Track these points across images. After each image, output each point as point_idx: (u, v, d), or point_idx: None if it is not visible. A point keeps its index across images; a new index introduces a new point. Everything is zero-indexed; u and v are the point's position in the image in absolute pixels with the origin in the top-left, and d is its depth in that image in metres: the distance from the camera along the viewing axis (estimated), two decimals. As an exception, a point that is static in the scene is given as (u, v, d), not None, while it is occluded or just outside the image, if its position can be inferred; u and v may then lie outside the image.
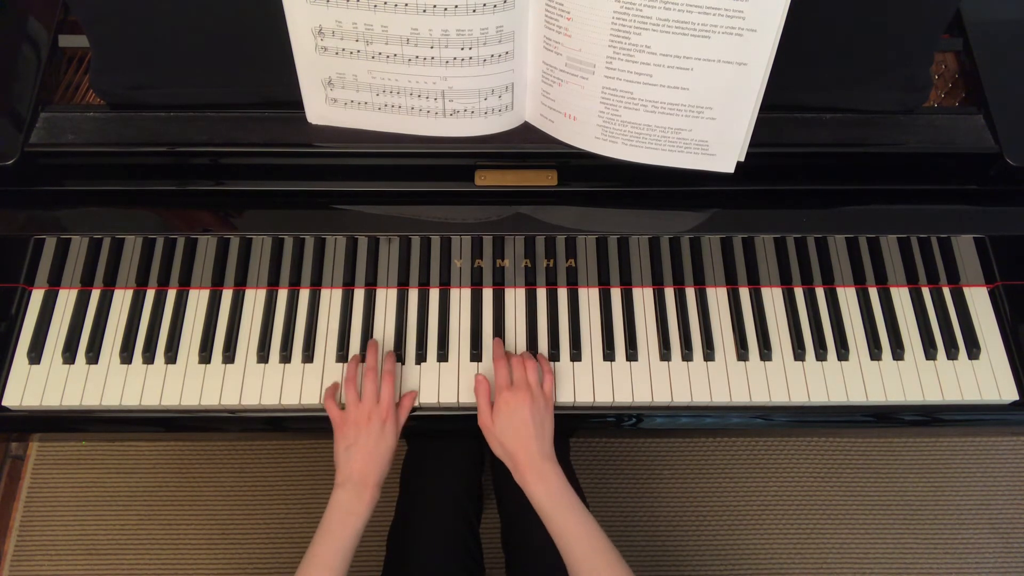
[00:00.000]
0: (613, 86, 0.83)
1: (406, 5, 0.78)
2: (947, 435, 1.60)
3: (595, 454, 1.59)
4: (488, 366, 0.98)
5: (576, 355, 0.98)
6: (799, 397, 0.96)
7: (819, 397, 0.96)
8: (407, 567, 1.02)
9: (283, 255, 0.99)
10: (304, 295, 1.02)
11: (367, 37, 0.81)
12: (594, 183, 0.96)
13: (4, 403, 0.95)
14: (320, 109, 0.89)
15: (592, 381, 0.97)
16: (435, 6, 0.78)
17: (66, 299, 1.00)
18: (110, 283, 1.01)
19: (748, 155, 0.87)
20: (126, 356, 0.97)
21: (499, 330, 1.00)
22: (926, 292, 1.02)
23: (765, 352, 0.98)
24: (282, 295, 1.02)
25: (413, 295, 1.02)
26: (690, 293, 1.02)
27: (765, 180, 0.95)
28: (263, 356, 0.98)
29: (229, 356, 0.98)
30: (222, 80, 0.90)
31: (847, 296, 1.02)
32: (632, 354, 0.98)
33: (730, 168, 0.88)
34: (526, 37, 0.83)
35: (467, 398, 0.97)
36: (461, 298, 1.02)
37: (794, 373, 0.98)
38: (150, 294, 1.01)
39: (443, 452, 1.14)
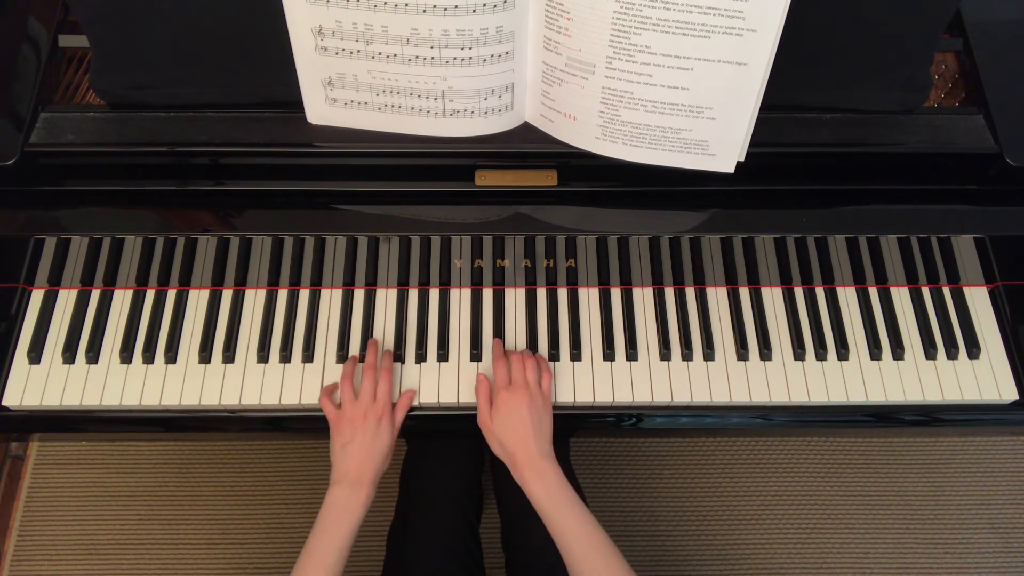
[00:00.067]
0: (613, 86, 0.83)
1: (406, 5, 0.78)
2: (947, 435, 1.60)
3: (595, 454, 1.59)
4: (488, 366, 0.98)
5: (576, 355, 0.98)
6: (799, 397, 0.96)
7: (819, 397, 0.96)
8: (407, 567, 1.02)
9: (283, 255, 0.99)
10: (304, 295, 1.02)
11: (367, 37, 0.81)
12: (594, 183, 0.96)
13: (4, 403, 0.95)
14: (320, 109, 0.89)
15: (592, 381, 0.97)
16: (435, 6, 0.78)
17: (66, 299, 1.00)
18: (110, 283, 1.01)
19: (748, 155, 0.87)
20: (126, 356, 0.97)
21: (499, 330, 1.00)
22: (926, 292, 1.02)
23: (765, 352, 0.98)
24: (282, 295, 1.02)
25: (413, 295, 1.02)
26: (690, 293, 1.02)
27: (765, 180, 0.95)
28: (263, 356, 0.98)
29: (229, 356, 0.98)
30: (222, 80, 0.90)
31: (847, 296, 1.02)
32: (632, 354, 0.98)
33: (730, 168, 0.88)
34: (526, 37, 0.83)
35: (467, 398, 0.97)
36: (461, 298, 1.02)
37: (794, 373, 0.98)
38: (150, 294, 1.01)
39: (443, 452, 1.14)
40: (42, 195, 0.96)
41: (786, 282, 1.02)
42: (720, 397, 0.96)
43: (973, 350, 0.98)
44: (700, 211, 0.97)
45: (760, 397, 0.96)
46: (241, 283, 1.01)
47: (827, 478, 1.58)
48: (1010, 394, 0.97)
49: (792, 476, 1.58)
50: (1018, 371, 0.98)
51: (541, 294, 1.02)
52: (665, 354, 0.98)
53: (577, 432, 1.39)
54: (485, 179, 0.94)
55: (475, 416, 0.94)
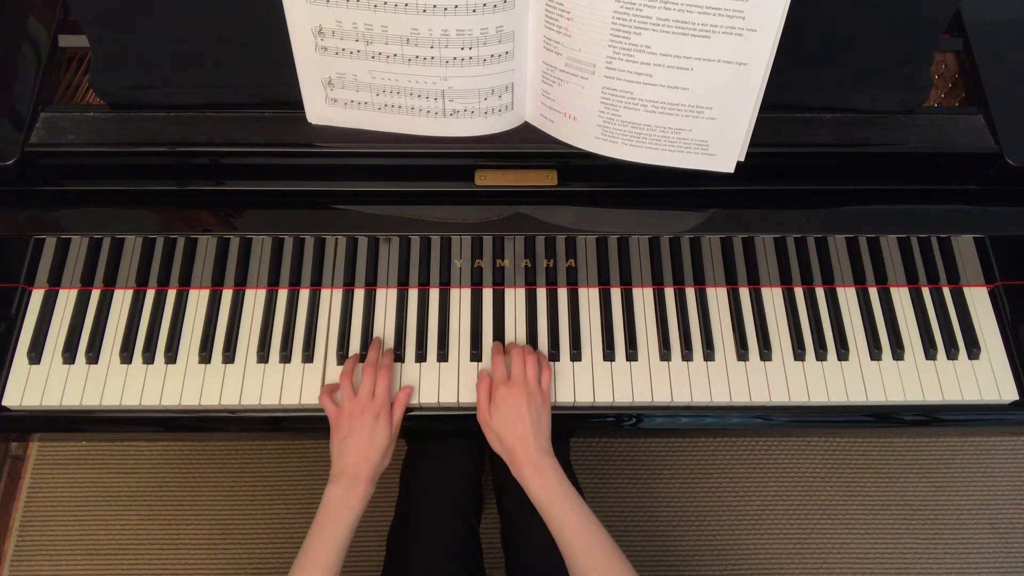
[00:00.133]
0: (613, 86, 0.83)
1: (406, 5, 0.78)
2: (947, 435, 1.60)
3: (595, 454, 1.59)
4: (488, 366, 0.98)
5: (576, 355, 0.98)
6: (799, 397, 0.96)
7: (819, 397, 0.96)
8: (407, 567, 1.02)
9: (283, 255, 0.99)
10: (304, 295, 1.02)
11: (367, 37, 0.81)
12: (594, 183, 0.96)
13: (4, 403, 0.95)
14: (320, 109, 0.89)
15: (592, 381, 0.97)
16: (435, 6, 0.78)
17: (66, 299, 1.00)
18: (110, 283, 1.01)
19: (748, 155, 0.87)
20: (126, 356, 0.97)
21: (499, 330, 1.00)
22: (926, 292, 1.02)
23: (765, 352, 0.98)
24: (282, 295, 1.02)
25: (413, 295, 1.02)
26: (690, 293, 1.02)
27: (765, 180, 0.95)
28: (263, 356, 0.98)
29: (229, 356, 0.98)
30: (222, 80, 0.90)
31: (847, 296, 1.02)
32: (632, 354, 0.98)
33: (730, 168, 0.88)
34: (526, 37, 0.83)
35: (467, 398, 0.97)
36: (461, 298, 1.02)
37: (794, 373, 0.98)
38: (150, 294, 1.01)
39: (443, 452, 1.14)
40: (42, 195, 0.96)
41: (786, 282, 1.02)
42: (720, 397, 0.96)
43: (973, 350, 0.98)
44: (700, 211, 0.97)
45: (760, 397, 0.96)
46: (241, 283, 1.01)
47: (827, 478, 1.58)
48: (1010, 394, 0.97)
49: (792, 476, 1.58)
50: (1018, 371, 0.98)
51: (541, 294, 1.02)
52: (665, 354, 0.98)
53: (577, 432, 1.40)
54: (485, 179, 0.94)
55: (475, 416, 0.94)
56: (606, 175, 0.94)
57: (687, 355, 0.98)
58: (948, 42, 1.00)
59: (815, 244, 0.99)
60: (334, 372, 0.98)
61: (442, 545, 1.04)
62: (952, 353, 0.99)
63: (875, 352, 0.99)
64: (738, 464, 1.59)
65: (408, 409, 0.96)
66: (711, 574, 1.51)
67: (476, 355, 0.98)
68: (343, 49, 0.83)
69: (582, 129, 0.88)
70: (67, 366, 0.97)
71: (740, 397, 0.96)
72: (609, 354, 0.98)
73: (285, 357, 0.98)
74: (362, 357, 0.97)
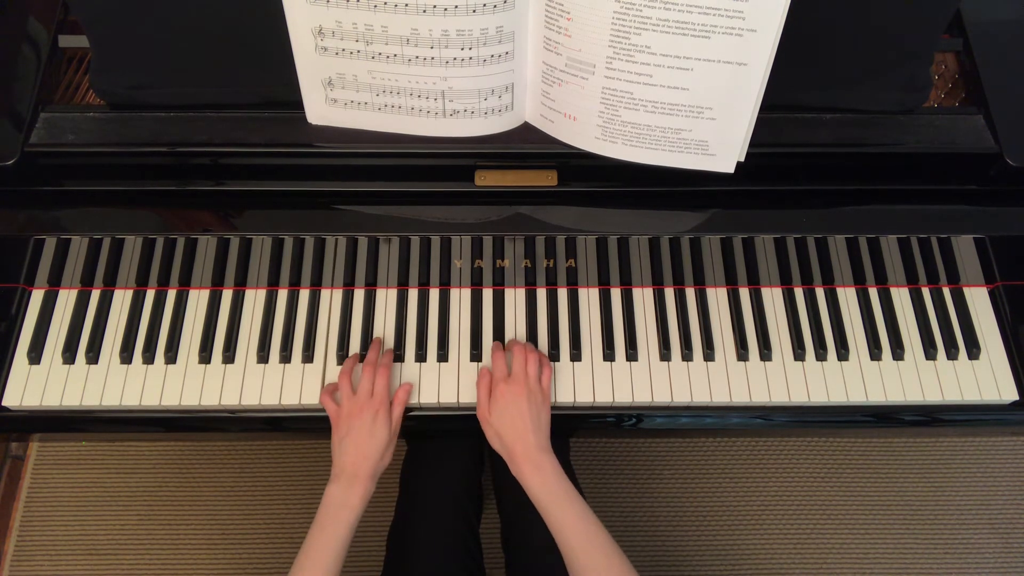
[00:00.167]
0: (613, 86, 0.83)
1: (406, 5, 0.78)
2: (947, 435, 1.60)
3: (595, 454, 1.59)
4: (488, 365, 0.98)
5: (576, 355, 0.98)
6: (799, 397, 0.96)
7: (819, 397, 0.96)
8: (407, 567, 1.02)
9: (283, 255, 0.99)
10: (304, 295, 1.02)
11: (367, 37, 0.81)
12: (594, 183, 0.96)
13: (4, 403, 0.95)
14: (320, 109, 0.89)
15: (592, 381, 0.97)
16: (435, 6, 0.78)
17: (66, 299, 1.00)
18: (110, 283, 1.01)
19: (748, 155, 0.87)
20: (126, 356, 0.97)
21: (499, 330, 1.00)
22: (926, 292, 1.02)
23: (765, 352, 0.98)
24: (282, 295, 1.02)
25: (413, 295, 1.02)
26: (690, 293, 1.02)
27: (765, 180, 0.95)
28: (263, 356, 0.98)
29: (229, 356, 0.98)
30: (222, 80, 0.90)
31: (847, 296, 1.02)
32: (632, 354, 0.98)
33: (730, 168, 0.88)
34: (526, 37, 0.83)
35: (467, 398, 0.97)
36: (461, 298, 1.02)
37: (794, 373, 0.98)
38: (150, 294, 1.01)
39: (443, 452, 1.14)
40: (42, 195, 0.96)
41: (786, 282, 1.02)
42: (720, 397, 0.96)
43: (973, 350, 0.98)
44: (700, 211, 0.97)
45: (760, 397, 0.96)
46: (241, 283, 1.01)
47: (827, 478, 1.58)
48: (1010, 394, 0.97)
49: (792, 476, 1.58)
50: (1018, 371, 0.98)
51: (541, 294, 1.02)
52: (665, 354, 0.98)
53: (577, 432, 1.40)
54: (485, 179, 0.94)
55: (475, 416, 0.94)
56: (606, 175, 0.95)
57: (687, 355, 0.98)
58: (948, 42, 1.00)
59: (815, 244, 0.99)
60: (334, 372, 0.98)
61: (442, 545, 1.04)
62: (952, 353, 0.99)
63: (875, 352, 0.99)
64: (738, 464, 1.59)
65: (408, 409, 0.96)
66: (711, 574, 1.51)
67: (476, 355, 0.98)
68: (343, 49, 0.83)
69: (582, 129, 0.88)
70: (67, 366, 0.97)
71: (740, 397, 0.96)
72: (609, 354, 0.98)
73: (285, 357, 0.98)
74: (362, 357, 0.97)
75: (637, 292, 1.02)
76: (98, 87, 0.91)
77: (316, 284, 1.02)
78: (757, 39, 0.77)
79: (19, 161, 0.90)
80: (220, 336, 0.99)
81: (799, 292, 1.02)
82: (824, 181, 0.97)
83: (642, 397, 0.96)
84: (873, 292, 1.02)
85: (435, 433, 1.13)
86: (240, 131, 0.91)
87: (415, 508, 1.08)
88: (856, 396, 0.96)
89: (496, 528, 1.14)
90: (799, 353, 0.99)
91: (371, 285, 1.02)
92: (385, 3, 0.78)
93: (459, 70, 0.83)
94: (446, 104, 0.86)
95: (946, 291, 1.02)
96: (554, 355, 0.98)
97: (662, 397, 0.96)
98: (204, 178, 0.95)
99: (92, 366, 0.97)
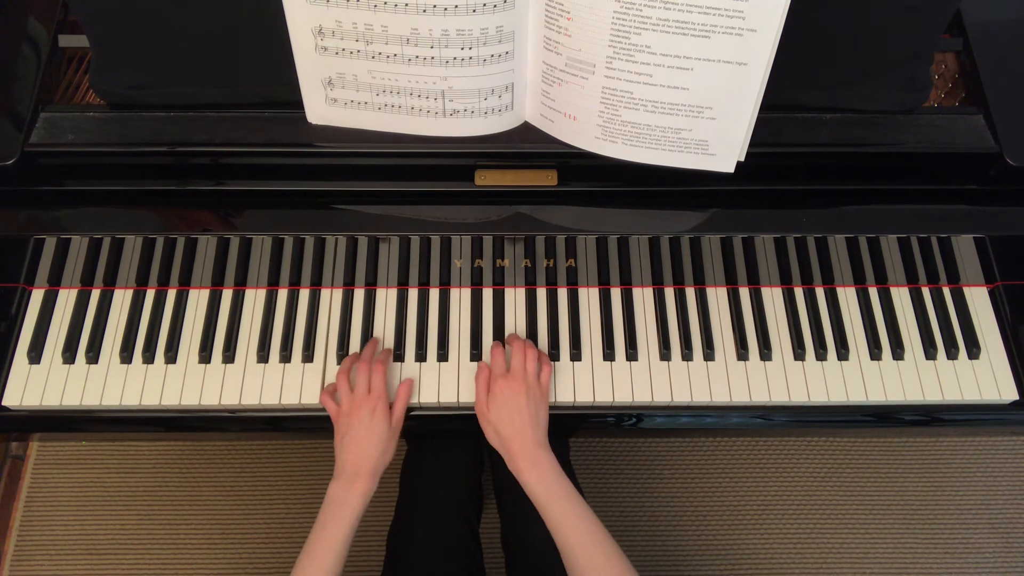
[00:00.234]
0: (613, 86, 0.83)
1: (406, 5, 0.78)
2: (947, 435, 1.60)
3: (595, 454, 1.59)
4: (488, 361, 0.98)
5: (576, 355, 0.98)
6: (799, 397, 0.96)
7: (819, 397, 0.96)
8: (407, 567, 1.02)
9: (283, 255, 0.99)
10: (304, 295, 1.02)
11: (367, 37, 0.81)
12: (594, 183, 0.96)
13: (4, 403, 0.95)
14: (320, 109, 0.89)
15: (592, 381, 0.97)
16: (435, 6, 0.78)
17: (66, 299, 1.00)
18: (110, 283, 1.01)
19: (748, 155, 0.87)
20: (126, 356, 0.97)
21: (499, 330, 1.00)
22: (926, 292, 1.02)
23: (765, 352, 0.98)
24: (282, 295, 1.02)
25: (413, 295, 1.02)
26: (690, 293, 1.02)
27: (765, 180, 0.95)
28: (263, 356, 0.98)
29: (229, 356, 0.98)
30: (222, 80, 0.90)
31: (847, 296, 1.02)
32: (632, 354, 0.98)
33: (730, 168, 0.88)
34: (526, 37, 0.83)
35: (467, 398, 0.97)
36: (461, 298, 1.02)
37: (794, 373, 0.98)
38: (150, 294, 1.01)
39: (443, 452, 1.14)
40: (42, 195, 0.96)
41: (786, 282, 1.02)
42: (720, 397, 0.96)
43: (973, 350, 0.98)
44: (700, 211, 0.97)
45: (760, 397, 0.96)
46: (241, 283, 1.01)
47: (827, 478, 1.58)
48: (1010, 394, 0.97)
49: (792, 476, 1.58)
50: (1018, 371, 0.98)
51: (541, 294, 1.02)
52: (665, 354, 0.98)
53: (577, 432, 1.40)
54: (485, 179, 0.94)
55: (475, 416, 0.94)
56: (606, 175, 0.94)
57: (687, 355, 0.98)
58: (948, 42, 1.00)
59: (815, 244, 0.99)
60: (334, 372, 0.98)
61: (442, 545, 1.04)
62: (952, 353, 0.99)
63: (875, 352, 0.99)
64: (738, 464, 1.59)
65: (408, 408, 0.96)
66: (711, 574, 1.51)
67: (476, 355, 0.98)
68: (343, 49, 0.83)
69: (582, 129, 0.88)
70: (67, 366, 0.97)
71: (740, 397, 0.96)
72: (609, 354, 0.98)
73: (285, 357, 0.98)
74: (362, 357, 0.97)
75: (637, 292, 1.02)
76: (98, 87, 0.91)
77: (316, 284, 1.02)
78: (757, 39, 0.77)
79: (19, 161, 0.90)
80: (220, 336, 0.99)
81: (799, 292, 1.02)
82: (824, 181, 0.97)
83: (642, 397, 0.96)
84: (873, 292, 1.02)
85: (435, 433, 1.13)
86: (240, 131, 0.91)
87: (415, 508, 1.08)
88: (856, 396, 0.96)
89: (496, 528, 1.13)
90: (799, 353, 0.99)
91: (371, 285, 1.02)
92: (385, 3, 0.78)
93: (459, 70, 0.83)
94: (446, 104, 0.86)
95: (946, 291, 1.02)
96: (554, 355, 0.98)
97: (662, 397, 0.96)
98: (204, 178, 0.95)
99: (92, 366, 0.97)
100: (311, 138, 0.91)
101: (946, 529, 1.55)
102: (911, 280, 1.02)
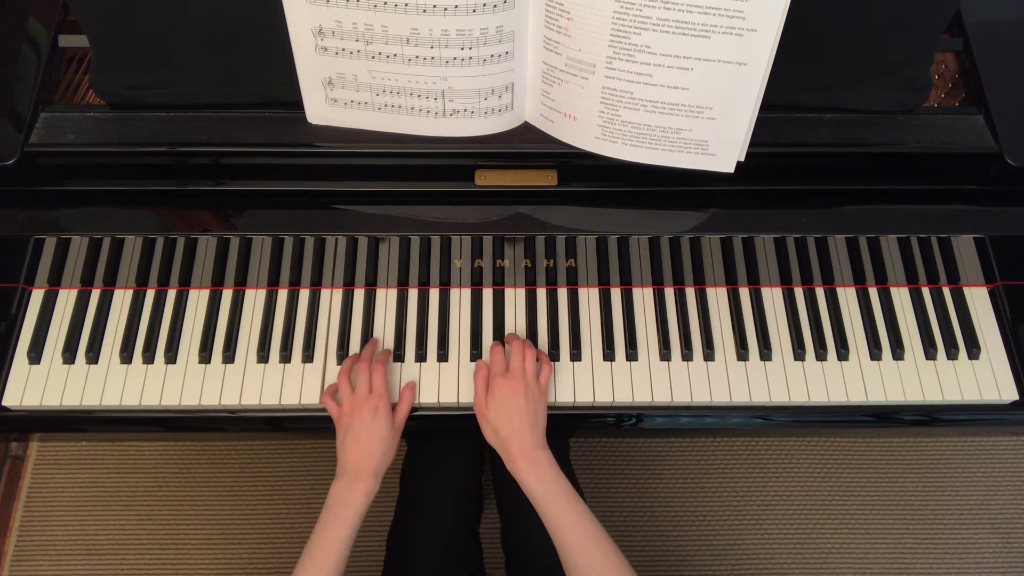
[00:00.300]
0: (613, 86, 0.83)
1: (406, 5, 0.78)
2: (947, 435, 1.60)
3: (595, 454, 1.59)
4: (488, 360, 0.98)
5: (576, 355, 0.98)
6: (799, 397, 0.96)
7: (819, 397, 0.96)
8: (407, 567, 1.02)
9: (283, 255, 0.99)
10: (304, 295, 1.02)
11: (367, 37, 0.81)
12: (594, 183, 0.96)
13: (4, 403, 0.95)
14: (320, 109, 0.89)
15: (592, 381, 0.97)
16: (435, 6, 0.78)
17: (66, 299, 1.00)
18: (110, 283, 1.01)
19: (748, 155, 0.87)
20: (126, 356, 0.97)
21: (499, 330, 1.00)
22: (926, 292, 1.02)
23: (765, 352, 0.98)
24: (282, 295, 1.02)
25: (413, 295, 1.02)
26: (690, 293, 1.02)
27: (765, 180, 0.95)
28: (263, 356, 0.98)
29: (229, 356, 0.98)
30: (222, 80, 0.90)
31: (847, 296, 1.02)
32: (632, 354, 0.98)
33: (730, 168, 0.88)
34: (526, 37, 0.83)
35: (467, 398, 0.97)
36: (461, 298, 1.02)
37: (794, 373, 0.98)
38: (150, 294, 1.01)
39: (443, 452, 1.14)
40: (42, 195, 0.96)
41: (786, 282, 1.02)
42: (720, 397, 0.96)
43: (973, 350, 0.98)
44: (700, 211, 0.97)
45: (760, 397, 0.96)
46: (241, 283, 1.01)
47: (827, 478, 1.58)
48: (1010, 394, 0.97)
49: (792, 476, 1.58)
50: (1018, 371, 0.98)
51: (541, 294, 1.02)
52: (665, 354, 0.98)
53: (577, 432, 1.40)
54: (485, 179, 0.94)
55: (475, 416, 0.94)
56: (606, 175, 0.94)
57: (687, 355, 0.98)
58: (948, 42, 1.00)
59: (815, 244, 0.99)
60: (334, 372, 0.98)
61: (442, 545, 1.04)
62: (952, 353, 0.99)
63: (875, 352, 0.99)
64: (738, 464, 1.59)
65: (412, 403, 0.96)
66: (711, 574, 1.51)
67: (476, 355, 0.98)
68: (343, 49, 0.83)
69: (582, 129, 0.88)
70: (67, 366, 0.97)
71: (740, 397, 0.96)
72: (609, 354, 0.98)
73: (285, 357, 0.98)
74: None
75: (637, 292, 1.02)
76: (98, 87, 0.91)
77: (316, 284, 1.02)
78: (757, 39, 0.77)
79: (19, 161, 0.90)
80: (220, 336, 0.99)
81: (799, 292, 1.02)
82: (824, 181, 0.97)
83: (642, 397, 0.96)
84: (873, 292, 1.02)
85: (435, 433, 1.13)
86: (240, 131, 0.91)
87: (415, 508, 1.08)
88: (856, 396, 0.96)
89: (496, 528, 1.13)
90: (799, 353, 0.99)
91: (371, 285, 1.02)
92: (385, 3, 0.78)
93: (459, 70, 0.83)
94: (446, 104, 0.86)
95: (946, 291, 1.02)
96: (554, 355, 0.98)
97: (662, 397, 0.96)
98: (204, 178, 0.95)
99: (92, 366, 0.97)
100: (311, 138, 0.91)
101: (946, 529, 1.55)
102: (911, 280, 1.02)
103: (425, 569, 1.01)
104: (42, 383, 0.96)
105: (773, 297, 1.02)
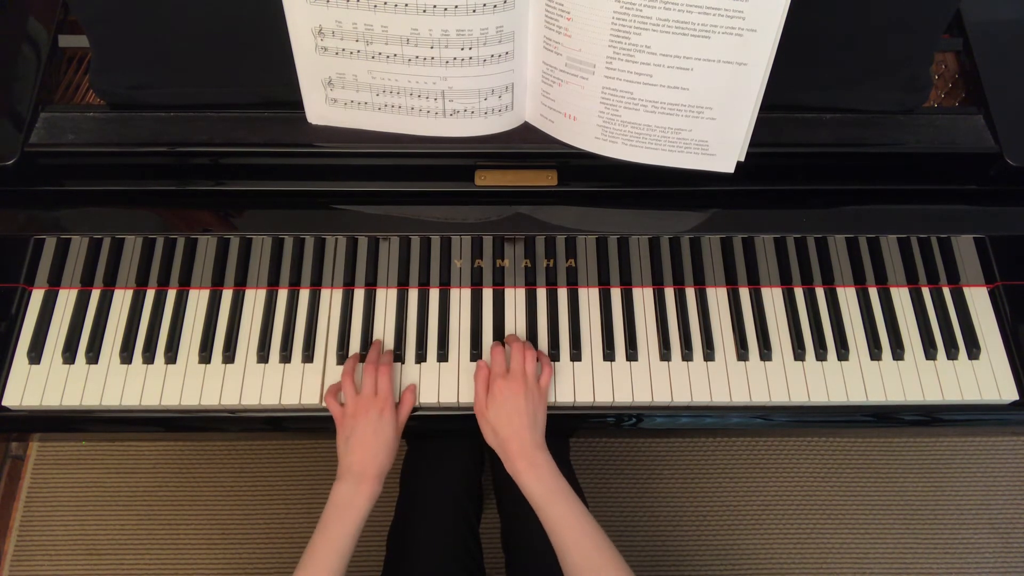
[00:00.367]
0: (613, 86, 0.83)
1: (406, 5, 0.78)
2: (947, 435, 1.60)
3: (595, 454, 1.59)
4: (488, 360, 0.98)
5: (576, 355, 0.98)
6: (799, 397, 0.96)
7: (819, 397, 0.96)
8: (407, 567, 1.02)
9: (283, 255, 0.99)
10: (304, 295, 1.02)
11: (367, 37, 0.81)
12: (594, 183, 0.96)
13: (4, 403, 0.95)
14: (320, 109, 0.89)
15: (592, 381, 0.97)
16: (435, 6, 0.78)
17: (66, 299, 1.00)
18: (110, 283, 1.01)
19: (748, 155, 0.87)
20: (126, 356, 0.97)
21: (499, 330, 1.00)
22: (926, 292, 1.02)
23: (765, 352, 0.98)
24: (282, 295, 1.02)
25: (413, 295, 1.02)
26: (690, 293, 1.02)
27: (765, 180, 0.95)
28: (263, 356, 0.98)
29: (229, 356, 0.98)
30: (222, 80, 0.90)
31: (847, 296, 1.02)
32: (632, 354, 0.98)
33: (730, 168, 0.88)
34: (526, 37, 0.83)
35: (467, 398, 0.97)
36: (461, 298, 1.02)
37: (794, 373, 0.98)
38: (150, 294, 1.01)
39: (443, 452, 1.14)
40: (42, 195, 0.96)
41: (786, 282, 1.02)
42: (720, 397, 0.96)
43: (973, 350, 0.98)
44: (700, 211, 0.97)
45: (760, 397, 0.96)
46: (241, 283, 1.01)
47: (827, 478, 1.58)
48: (1010, 394, 0.97)
49: (792, 476, 1.58)
50: (1018, 371, 0.98)
51: (541, 294, 1.02)
52: (665, 354, 0.98)
53: (577, 432, 1.40)
54: (485, 179, 0.94)
55: (475, 416, 0.94)
56: (606, 175, 0.94)
57: (687, 355, 0.98)
58: (948, 42, 1.00)
59: (815, 244, 0.99)
60: (334, 372, 0.98)
61: (442, 545, 1.04)
62: (952, 353, 0.99)
63: (875, 352, 0.99)
64: (738, 464, 1.59)
65: (411, 410, 0.96)
66: (711, 574, 1.51)
67: (476, 355, 0.98)
68: (343, 49, 0.83)
69: (582, 129, 0.88)
70: (67, 366, 0.97)
71: (740, 397, 0.96)
72: (609, 354, 0.98)
73: (285, 357, 0.98)
74: (362, 358, 0.97)
75: (637, 292, 1.02)
76: (98, 87, 0.91)
77: (316, 284, 1.02)
78: (757, 39, 0.77)
79: (19, 161, 0.90)
80: (220, 336, 0.99)
81: (799, 292, 1.02)
82: (824, 181, 0.97)
83: (642, 397, 0.96)
84: (873, 292, 1.03)
85: (435, 433, 1.13)
86: (240, 131, 0.91)
87: (415, 508, 1.08)
88: (856, 396, 0.96)
89: (496, 528, 1.13)
90: (799, 353, 0.99)
91: (371, 285, 1.02)
92: (385, 3, 0.78)
93: (459, 70, 0.83)
94: (446, 104, 0.86)
95: (946, 291, 1.02)
96: (554, 355, 0.98)
97: (662, 397, 0.96)
98: (204, 178, 0.95)
99: (92, 366, 0.97)
100: (311, 138, 0.91)
101: (946, 529, 1.55)
102: (911, 280, 1.02)
103: (425, 569, 1.01)
104: (42, 383, 0.96)
105: (773, 297, 1.02)
